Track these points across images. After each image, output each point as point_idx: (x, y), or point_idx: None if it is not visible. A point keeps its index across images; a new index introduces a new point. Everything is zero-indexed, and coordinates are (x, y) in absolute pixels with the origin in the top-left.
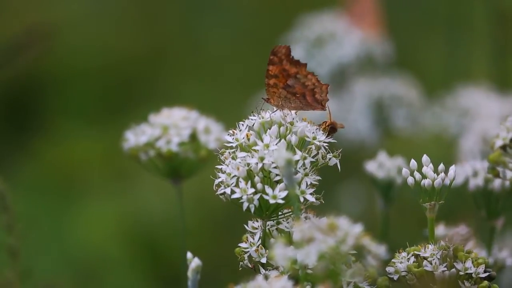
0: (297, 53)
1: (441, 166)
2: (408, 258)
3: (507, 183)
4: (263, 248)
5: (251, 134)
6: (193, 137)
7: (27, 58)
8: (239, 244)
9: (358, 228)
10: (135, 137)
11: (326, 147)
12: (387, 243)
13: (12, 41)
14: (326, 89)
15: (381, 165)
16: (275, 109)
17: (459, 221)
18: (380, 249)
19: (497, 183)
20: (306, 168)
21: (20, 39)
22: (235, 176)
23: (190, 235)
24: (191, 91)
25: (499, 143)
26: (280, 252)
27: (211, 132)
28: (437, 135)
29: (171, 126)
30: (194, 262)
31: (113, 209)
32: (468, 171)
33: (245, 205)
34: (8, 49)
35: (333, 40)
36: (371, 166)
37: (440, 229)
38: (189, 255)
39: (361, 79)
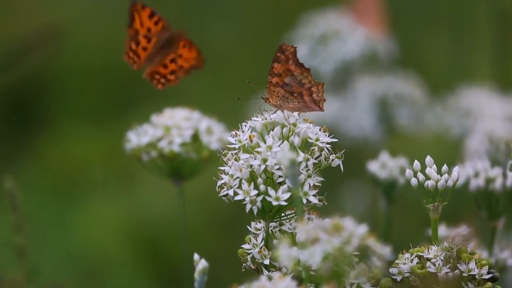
0: (302, 50)
1: (445, 167)
2: (411, 259)
3: (509, 183)
4: (266, 249)
5: (254, 136)
6: (195, 137)
7: (36, 59)
8: (242, 246)
9: (363, 229)
10: (137, 137)
11: (329, 148)
12: (390, 243)
13: (21, 42)
14: (322, 88)
15: (384, 165)
16: (274, 110)
17: (461, 222)
18: (385, 250)
19: (498, 183)
20: (309, 169)
21: (29, 40)
22: (237, 177)
23: (193, 235)
24: (194, 90)
25: None
26: (285, 252)
27: (213, 132)
28: (439, 135)
29: (173, 126)
30: (201, 264)
31: (116, 209)
32: (469, 171)
33: (248, 207)
34: (16, 51)
35: (338, 37)
36: (373, 166)
37: (442, 230)
38: (196, 256)
39: (365, 77)
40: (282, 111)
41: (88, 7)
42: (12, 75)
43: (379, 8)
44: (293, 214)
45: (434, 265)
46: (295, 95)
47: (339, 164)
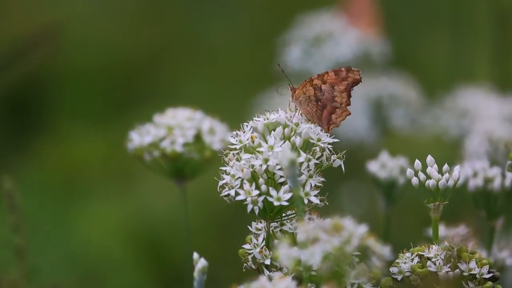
0: (295, 52)
1: (446, 167)
2: (412, 259)
3: (507, 182)
4: (267, 249)
5: (255, 136)
6: (198, 137)
7: (36, 59)
8: (243, 246)
9: (363, 229)
10: (140, 137)
11: (330, 149)
12: (389, 243)
13: (21, 42)
14: (345, 116)
15: (383, 165)
16: (289, 101)
17: (460, 222)
18: (385, 250)
19: (496, 183)
20: (310, 170)
21: (29, 40)
22: (239, 177)
23: (193, 235)
24: (194, 89)
25: None
26: (285, 252)
27: (215, 133)
28: (436, 136)
29: (175, 126)
30: (201, 263)
31: (116, 209)
32: (468, 171)
33: (249, 207)
34: (16, 50)
35: (331, 39)
36: (373, 166)
37: (441, 230)
38: (195, 255)
39: None
40: (295, 108)
41: (88, 7)
42: (12, 75)
43: (372, 10)
44: (294, 214)
45: (435, 264)
46: (319, 104)
47: (339, 165)
